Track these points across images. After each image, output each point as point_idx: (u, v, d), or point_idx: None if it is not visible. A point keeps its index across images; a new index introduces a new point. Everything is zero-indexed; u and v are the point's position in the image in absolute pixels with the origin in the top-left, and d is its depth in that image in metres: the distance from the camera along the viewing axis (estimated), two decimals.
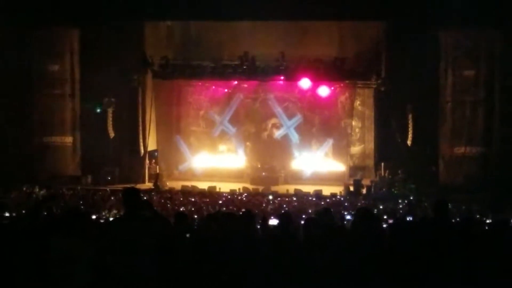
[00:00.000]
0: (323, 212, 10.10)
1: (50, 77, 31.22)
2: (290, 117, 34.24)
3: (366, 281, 8.00)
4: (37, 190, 26.37)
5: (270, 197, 26.82)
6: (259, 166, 33.59)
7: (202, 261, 8.28)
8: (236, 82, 33.69)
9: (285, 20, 31.26)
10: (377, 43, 31.35)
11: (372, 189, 29.53)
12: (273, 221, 12.85)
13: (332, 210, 11.38)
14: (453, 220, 12.15)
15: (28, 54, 30.82)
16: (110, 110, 31.07)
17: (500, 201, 23.51)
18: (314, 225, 9.02)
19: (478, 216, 18.42)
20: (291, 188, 29.72)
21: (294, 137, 34.33)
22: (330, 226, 9.43)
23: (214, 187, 29.43)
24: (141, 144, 32.08)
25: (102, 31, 30.35)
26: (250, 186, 30.81)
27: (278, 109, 34.19)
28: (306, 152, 34.29)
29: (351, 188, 29.63)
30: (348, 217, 16.40)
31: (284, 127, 34.32)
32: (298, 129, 34.33)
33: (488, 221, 13.26)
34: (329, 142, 34.28)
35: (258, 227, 11.10)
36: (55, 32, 31.16)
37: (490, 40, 29.21)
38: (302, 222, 11.29)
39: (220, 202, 24.44)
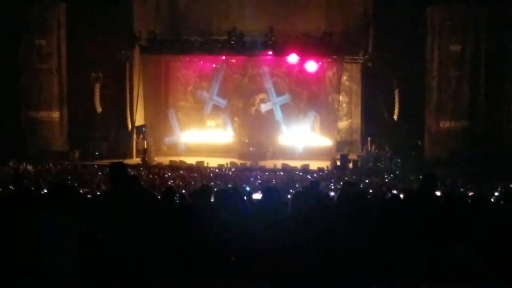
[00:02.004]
0: (311, 185, 10.17)
1: (37, 52, 31.02)
2: (277, 93, 34.24)
3: (352, 254, 8.10)
4: (24, 165, 26.42)
5: (258, 171, 26.99)
6: (246, 141, 33.64)
7: (190, 235, 8.35)
8: (224, 57, 33.62)
9: None
10: (364, 18, 31.37)
11: (359, 164, 29.71)
12: (257, 195, 12.90)
13: (319, 183, 11.42)
14: (438, 194, 12.23)
15: (16, 28, 30.64)
16: (97, 85, 30.97)
17: (484, 175, 23.76)
18: (302, 198, 9.09)
19: (462, 190, 18.59)
20: (279, 163, 29.83)
21: (278, 114, 34.36)
22: (318, 199, 9.51)
23: (202, 162, 29.51)
24: (129, 119, 32.08)
25: (90, 5, 30.25)
26: (238, 161, 30.89)
27: (269, 84, 34.18)
28: (294, 127, 34.32)
29: (338, 163, 29.78)
30: (332, 193, 16.51)
31: (271, 103, 34.34)
32: (286, 104, 34.33)
33: (471, 194, 13.36)
34: (313, 115, 34.33)
35: (245, 199, 11.14)
36: (42, 6, 30.89)
37: (476, 15, 29.31)
38: (289, 196, 11.37)
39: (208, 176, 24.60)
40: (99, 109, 31.14)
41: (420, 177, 14.63)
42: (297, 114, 34.48)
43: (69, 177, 23.11)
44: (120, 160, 8.84)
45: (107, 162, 27.13)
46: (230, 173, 26.70)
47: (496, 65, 29.20)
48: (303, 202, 8.96)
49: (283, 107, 34.34)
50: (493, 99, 29.39)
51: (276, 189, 9.94)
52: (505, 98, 29.40)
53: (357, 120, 34.19)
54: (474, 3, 29.11)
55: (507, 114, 29.35)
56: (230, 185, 17.98)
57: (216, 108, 35.02)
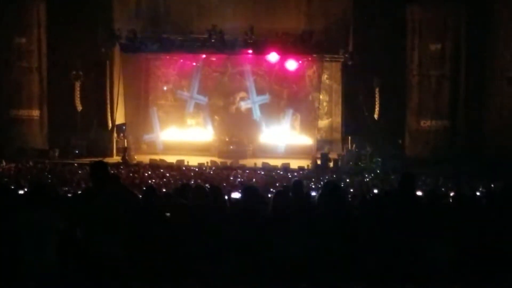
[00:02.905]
0: (294, 185, 10.14)
1: (17, 50, 30.84)
2: (258, 91, 34.27)
3: (333, 254, 8.11)
4: (3, 163, 26.31)
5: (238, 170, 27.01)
6: (227, 139, 33.62)
7: (170, 234, 8.34)
8: (204, 56, 33.62)
9: None
10: (344, 17, 31.42)
11: (339, 163, 29.72)
12: (236, 195, 12.89)
13: (302, 183, 11.38)
14: (419, 193, 12.27)
15: None
16: (77, 83, 30.84)
17: (465, 174, 23.86)
18: (283, 198, 9.07)
19: (443, 189, 18.67)
20: (259, 162, 29.83)
21: (256, 113, 34.42)
22: (300, 199, 9.50)
23: (182, 161, 29.42)
24: (109, 117, 31.95)
25: (70, 3, 30.13)
26: (218, 160, 30.85)
27: (249, 82, 34.22)
28: (274, 126, 34.36)
29: (319, 162, 29.80)
30: (314, 193, 16.52)
31: (250, 101, 34.37)
32: (266, 102, 34.38)
33: (452, 194, 13.43)
34: (293, 113, 34.38)
35: (226, 198, 11.13)
36: (22, 4, 30.76)
37: (456, 14, 29.43)
38: (270, 195, 11.35)
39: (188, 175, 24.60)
40: (79, 108, 30.98)
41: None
42: (277, 113, 34.52)
43: (49, 176, 23.03)
44: (100, 159, 8.82)
45: (87, 160, 27.14)
46: (212, 172, 26.71)
47: (476, 64, 29.30)
48: (284, 202, 8.95)
49: (263, 106, 34.38)
50: (474, 98, 29.49)
51: (255, 188, 9.93)
52: (486, 97, 29.50)
53: (337, 119, 34.25)
54: (453, 1, 29.22)
55: (488, 113, 29.46)
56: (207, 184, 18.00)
57: (196, 106, 35.02)
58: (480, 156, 27.34)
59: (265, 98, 34.36)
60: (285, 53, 31.94)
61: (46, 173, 23.97)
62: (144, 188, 10.66)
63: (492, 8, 29.04)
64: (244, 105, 34.64)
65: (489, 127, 29.29)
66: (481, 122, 29.53)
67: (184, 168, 27.88)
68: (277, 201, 9.01)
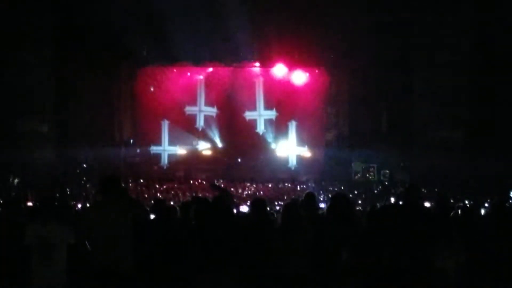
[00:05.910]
0: (306, 197, 10.14)
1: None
2: (265, 104, 34.20)
3: (342, 264, 8.15)
4: (12, 177, 26.41)
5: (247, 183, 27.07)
6: (234, 152, 33.60)
7: (180, 246, 8.37)
8: (211, 69, 33.63)
9: None
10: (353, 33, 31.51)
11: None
12: (244, 208, 12.92)
13: (315, 196, 11.38)
14: (427, 204, 12.32)
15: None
16: (87, 96, 30.85)
17: (473, 187, 23.86)
18: (292, 210, 9.07)
19: (452, 201, 18.68)
20: (267, 174, 29.84)
21: (260, 127, 34.37)
22: (311, 211, 9.51)
23: (190, 174, 29.43)
24: (118, 131, 32.01)
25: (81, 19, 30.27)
26: (226, 173, 30.85)
27: (256, 95, 34.21)
28: (281, 138, 34.34)
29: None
30: (322, 204, 16.54)
31: (257, 113, 34.33)
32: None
33: (460, 204, 13.48)
34: (300, 126, 34.35)
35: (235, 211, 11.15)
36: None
37: None
38: (278, 208, 11.35)
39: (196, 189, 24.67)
40: (88, 120, 31.04)
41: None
42: (283, 126, 34.48)
43: (58, 189, 23.12)
44: (109, 172, 8.83)
45: (96, 174, 27.17)
46: (222, 185, 26.73)
47: (487, 78, 29.28)
48: (294, 214, 8.96)
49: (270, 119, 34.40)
50: (483, 109, 29.46)
51: (263, 201, 9.92)
52: (494, 109, 29.47)
53: (344, 131, 34.18)
54: None
55: (496, 121, 29.42)
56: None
57: (205, 119, 34.98)
58: (487, 170, 27.27)
59: (272, 113, 34.27)
60: (292, 66, 31.99)
61: (55, 187, 24.07)
62: (153, 201, 10.67)
63: None
64: (250, 117, 34.55)
65: (498, 137, 29.23)
66: (491, 132, 29.43)
67: (191, 181, 27.92)
68: (286, 214, 9.02)
